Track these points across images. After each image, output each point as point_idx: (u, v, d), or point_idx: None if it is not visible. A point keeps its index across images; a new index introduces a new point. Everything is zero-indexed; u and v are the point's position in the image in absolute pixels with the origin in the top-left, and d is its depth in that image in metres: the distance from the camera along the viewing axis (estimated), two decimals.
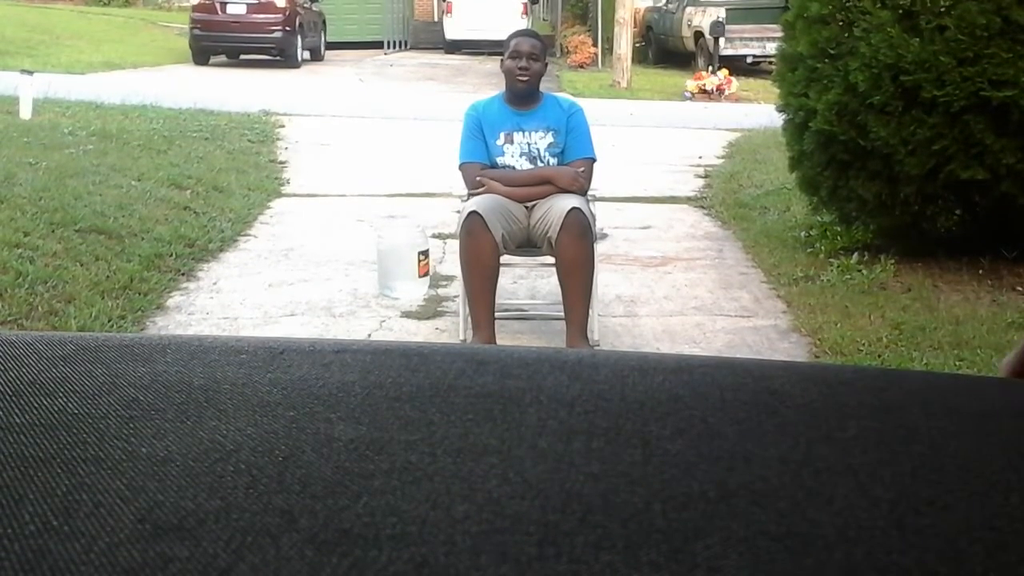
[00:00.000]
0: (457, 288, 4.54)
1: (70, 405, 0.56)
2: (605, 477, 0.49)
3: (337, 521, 0.44)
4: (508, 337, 4.28)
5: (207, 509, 0.45)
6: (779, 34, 6.13)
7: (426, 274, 4.96)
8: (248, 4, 17.52)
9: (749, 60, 16.89)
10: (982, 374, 3.86)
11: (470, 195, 4.17)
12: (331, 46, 20.72)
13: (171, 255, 5.32)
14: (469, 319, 4.10)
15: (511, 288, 4.94)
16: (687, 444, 0.54)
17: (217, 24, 17.46)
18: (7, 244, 4.91)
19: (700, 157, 9.27)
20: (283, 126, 10.50)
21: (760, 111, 11.01)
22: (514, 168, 4.21)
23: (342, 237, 6.08)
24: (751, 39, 16.72)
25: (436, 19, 23.92)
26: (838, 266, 5.27)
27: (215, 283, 5.12)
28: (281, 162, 8.73)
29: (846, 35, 5.11)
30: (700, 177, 8.44)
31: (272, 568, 0.41)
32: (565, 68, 18.04)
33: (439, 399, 0.59)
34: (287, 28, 17.63)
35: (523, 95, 4.24)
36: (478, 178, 4.17)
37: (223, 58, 18.20)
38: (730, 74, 15.04)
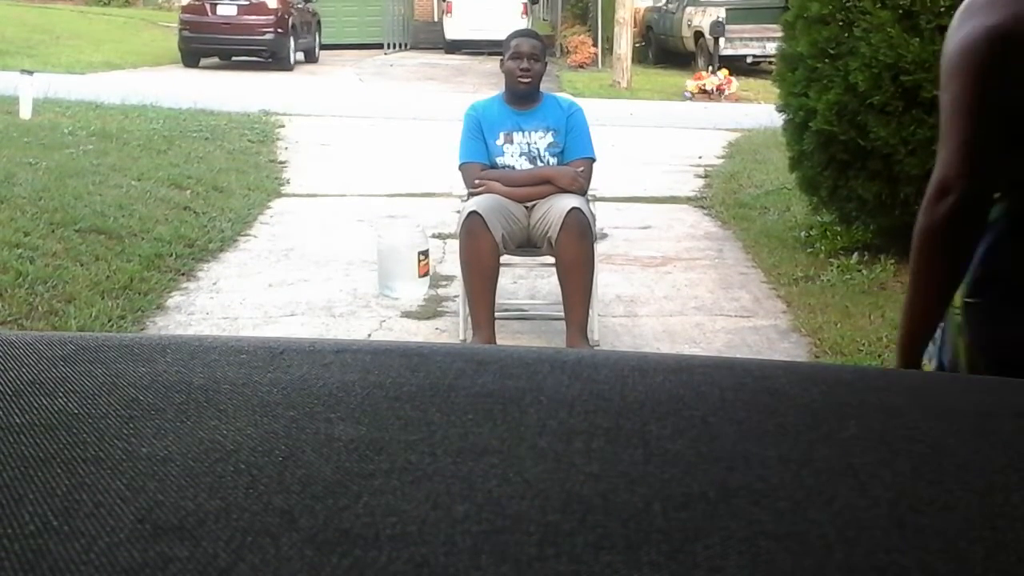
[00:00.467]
0: (457, 288, 4.54)
1: (70, 405, 0.56)
2: (605, 477, 0.49)
3: (337, 521, 0.44)
4: (508, 337, 4.28)
5: (207, 509, 0.45)
6: (779, 34, 6.13)
7: (426, 274, 4.96)
8: (239, 5, 17.13)
9: (749, 60, 16.89)
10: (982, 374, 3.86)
11: (470, 195, 4.17)
12: (331, 48, 20.62)
13: (171, 255, 5.32)
14: (469, 319, 4.10)
15: (511, 288, 4.94)
16: (687, 444, 0.54)
17: (207, 26, 17.05)
18: (7, 244, 4.91)
19: (700, 157, 9.27)
20: (283, 126, 10.50)
21: (760, 111, 11.01)
22: (514, 168, 4.21)
23: (342, 237, 6.08)
24: (751, 39, 16.72)
25: (436, 19, 23.93)
26: (838, 266, 5.27)
27: (215, 283, 5.11)
28: (281, 162, 8.73)
29: (846, 35, 5.10)
30: (700, 177, 8.43)
31: (272, 568, 0.41)
32: (565, 68, 18.04)
33: (439, 399, 0.59)
34: (279, 30, 17.21)
35: (524, 95, 4.24)
36: (476, 180, 4.17)
37: (218, 59, 17.85)
38: (730, 74, 15.04)
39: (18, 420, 0.54)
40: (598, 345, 4.14)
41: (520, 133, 4.21)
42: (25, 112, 8.98)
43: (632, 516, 0.45)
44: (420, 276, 4.91)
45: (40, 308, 4.33)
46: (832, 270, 5.22)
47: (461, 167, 4.26)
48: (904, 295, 1.62)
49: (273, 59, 17.31)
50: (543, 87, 4.43)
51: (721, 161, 9.12)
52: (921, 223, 1.51)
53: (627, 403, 0.59)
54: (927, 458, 0.53)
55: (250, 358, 0.65)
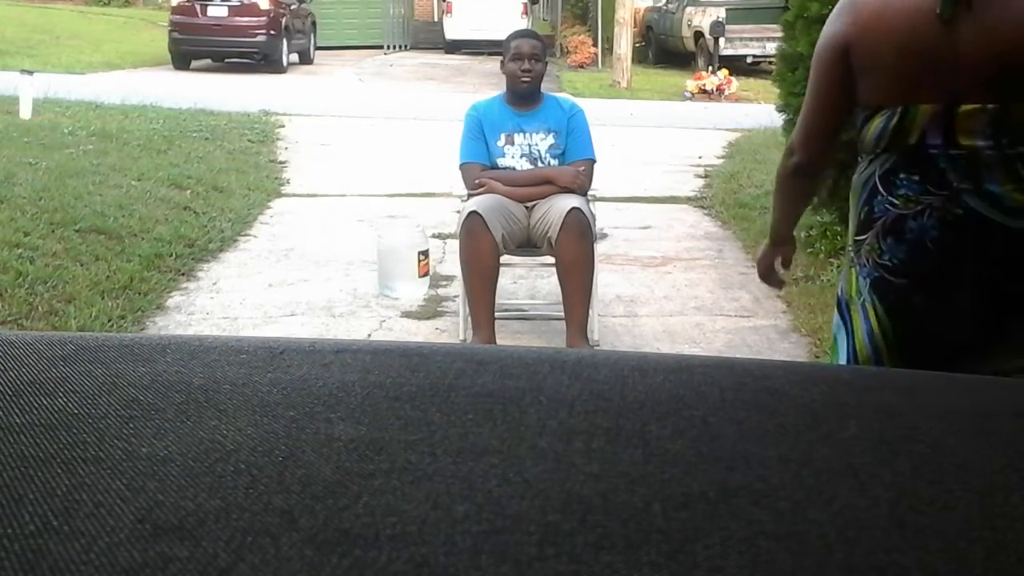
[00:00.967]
0: (457, 288, 4.54)
1: (70, 405, 0.56)
2: (605, 477, 0.49)
3: (337, 521, 0.44)
4: (508, 337, 4.28)
5: (207, 509, 0.45)
6: (779, 34, 6.13)
7: (426, 274, 4.96)
8: (230, 6, 16.69)
9: (749, 60, 16.89)
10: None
11: (470, 195, 4.18)
12: (331, 50, 20.52)
13: (171, 255, 5.32)
14: (469, 319, 4.10)
15: (511, 288, 4.94)
16: (687, 444, 0.54)
17: (197, 27, 16.62)
18: (7, 244, 4.91)
19: (700, 157, 9.27)
20: (283, 126, 10.50)
21: (760, 111, 11.01)
22: (515, 169, 4.21)
23: (342, 237, 6.08)
24: (751, 39, 16.72)
25: (436, 19, 23.92)
26: (838, 266, 5.26)
27: (215, 283, 5.12)
28: (281, 162, 8.73)
29: None
30: (700, 177, 8.43)
31: (272, 568, 0.41)
32: (565, 68, 18.04)
33: (439, 399, 0.59)
34: (271, 31, 16.78)
35: (525, 96, 4.24)
36: (477, 180, 4.17)
37: (211, 61, 17.47)
38: (730, 74, 15.04)
39: (18, 420, 0.54)
40: (598, 345, 4.14)
41: (521, 135, 4.21)
42: (25, 112, 8.98)
43: (632, 516, 0.45)
44: (420, 276, 4.91)
45: (40, 308, 4.33)
46: (832, 270, 5.21)
47: (461, 167, 4.26)
48: (773, 215, 2.50)
49: (265, 61, 16.88)
50: (543, 87, 4.43)
51: (721, 161, 9.12)
52: (778, 170, 2.23)
53: (627, 403, 0.59)
54: (927, 458, 0.53)
55: (250, 358, 0.65)
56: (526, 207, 4.15)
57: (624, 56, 15.47)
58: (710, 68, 15.85)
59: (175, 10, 16.94)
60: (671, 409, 0.58)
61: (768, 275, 2.60)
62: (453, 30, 20.94)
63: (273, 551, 0.42)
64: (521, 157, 4.21)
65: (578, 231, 3.98)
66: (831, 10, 2.09)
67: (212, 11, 16.76)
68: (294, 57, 18.18)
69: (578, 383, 0.62)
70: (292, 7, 17.99)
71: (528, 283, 5.11)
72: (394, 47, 21.80)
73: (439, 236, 5.82)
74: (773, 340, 4.40)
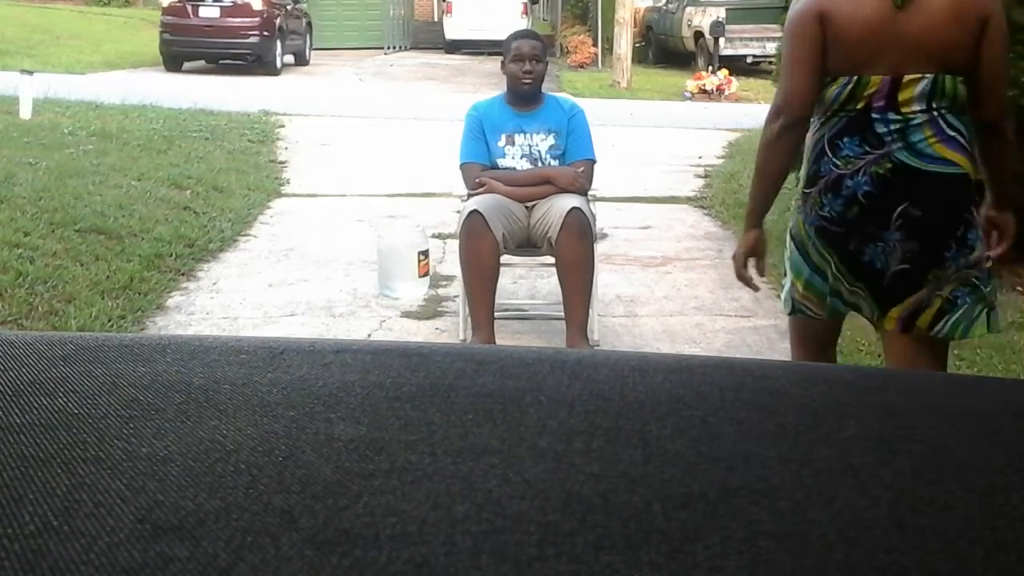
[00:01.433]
0: (457, 288, 4.54)
1: (70, 405, 0.56)
2: (605, 477, 0.49)
3: (337, 521, 0.44)
4: (508, 337, 4.28)
5: (207, 509, 0.45)
6: (779, 34, 6.13)
7: (426, 274, 4.96)
8: (222, 7, 16.36)
9: (749, 60, 16.90)
10: (982, 374, 3.86)
11: (470, 195, 4.18)
12: (331, 51, 20.44)
13: (171, 255, 5.32)
14: (469, 319, 4.10)
15: (511, 288, 4.94)
16: (687, 444, 0.54)
17: (189, 28, 16.30)
18: (7, 244, 4.91)
19: (700, 157, 9.27)
20: (283, 126, 10.50)
21: (760, 111, 10.91)
22: (515, 169, 4.21)
23: (342, 237, 6.08)
24: (751, 39, 16.73)
25: (436, 19, 23.92)
26: None
27: (215, 283, 5.11)
28: (281, 162, 8.73)
29: None
30: (700, 177, 8.43)
31: (272, 568, 0.41)
32: (565, 68, 18.04)
33: (439, 399, 0.59)
34: (264, 33, 16.43)
35: (526, 96, 4.24)
36: (477, 179, 4.17)
37: (204, 62, 17.16)
38: (730, 74, 15.04)
39: (18, 420, 0.54)
40: (598, 345, 4.14)
41: (522, 135, 4.21)
42: (25, 112, 8.98)
43: (632, 516, 0.45)
44: (420, 276, 4.91)
45: (40, 308, 4.33)
46: None
47: (462, 167, 4.26)
48: (755, 190, 2.66)
49: (258, 62, 16.54)
50: (543, 87, 4.43)
51: (721, 161, 9.12)
52: (763, 135, 2.47)
53: (627, 403, 0.59)
54: (927, 458, 0.53)
55: (250, 358, 0.65)
56: (526, 207, 4.15)
57: (624, 56, 15.47)
58: (710, 68, 15.86)
59: (166, 11, 16.61)
60: (671, 409, 0.58)
61: (743, 273, 2.83)
62: (453, 30, 20.94)
63: (273, 551, 0.42)
64: (521, 157, 4.21)
65: (578, 231, 3.98)
66: None
67: (204, 12, 16.43)
68: (289, 58, 17.87)
69: (578, 383, 0.62)
70: (287, 8, 17.72)
71: (528, 283, 5.11)
72: (394, 47, 21.80)
73: (439, 236, 5.82)
74: (773, 340, 4.40)
